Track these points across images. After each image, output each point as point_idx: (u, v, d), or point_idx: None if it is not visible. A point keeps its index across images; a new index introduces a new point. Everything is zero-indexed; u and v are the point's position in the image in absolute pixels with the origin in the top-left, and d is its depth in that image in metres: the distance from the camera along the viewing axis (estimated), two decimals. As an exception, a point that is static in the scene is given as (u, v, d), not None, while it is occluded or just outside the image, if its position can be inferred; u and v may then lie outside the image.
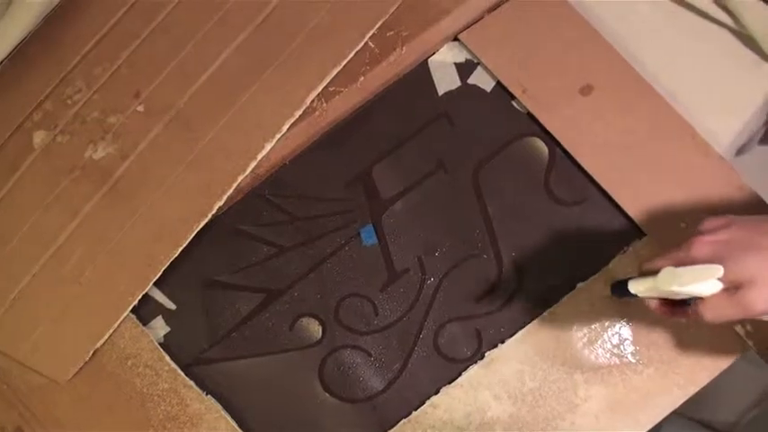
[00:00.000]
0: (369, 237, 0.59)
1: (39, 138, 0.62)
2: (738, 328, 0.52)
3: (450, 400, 0.56)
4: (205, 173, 0.59)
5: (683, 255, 0.41)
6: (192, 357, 0.59)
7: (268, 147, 0.59)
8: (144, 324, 0.59)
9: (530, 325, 0.56)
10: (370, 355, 0.58)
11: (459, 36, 0.60)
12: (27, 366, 0.58)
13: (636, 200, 0.55)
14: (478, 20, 0.60)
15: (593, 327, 0.55)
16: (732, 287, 0.39)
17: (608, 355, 0.55)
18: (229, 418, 0.57)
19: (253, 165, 0.59)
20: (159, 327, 0.60)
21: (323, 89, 0.60)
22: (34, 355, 0.58)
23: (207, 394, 0.58)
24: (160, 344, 0.59)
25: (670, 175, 0.55)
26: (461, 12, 0.60)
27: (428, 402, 0.56)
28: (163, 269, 0.58)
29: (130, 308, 0.58)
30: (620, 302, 0.54)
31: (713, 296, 0.40)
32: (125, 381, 0.58)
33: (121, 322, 0.58)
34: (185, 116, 0.60)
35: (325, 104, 0.60)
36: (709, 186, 0.54)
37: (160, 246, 0.58)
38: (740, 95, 0.59)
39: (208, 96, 0.61)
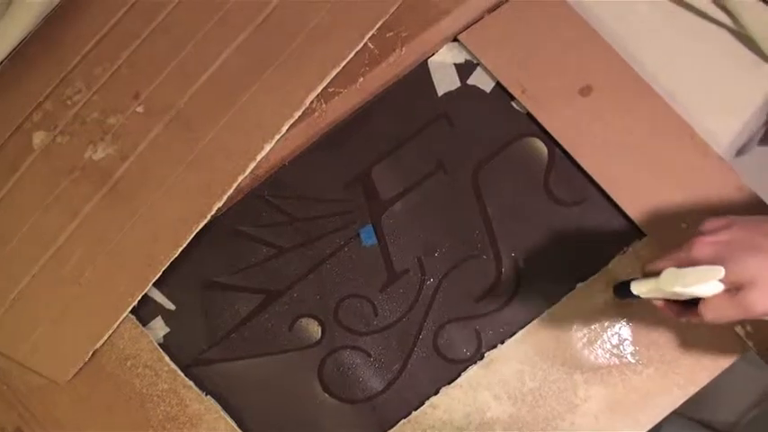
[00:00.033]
0: (368, 237, 0.59)
1: (38, 138, 0.62)
2: (738, 329, 0.52)
3: (450, 401, 0.56)
4: (205, 173, 0.59)
5: (684, 255, 0.41)
6: (192, 358, 0.59)
7: (267, 147, 0.59)
8: (143, 325, 0.59)
9: (529, 325, 0.56)
10: (369, 355, 0.58)
11: (459, 37, 0.60)
12: (27, 367, 0.58)
13: (635, 200, 0.55)
14: (478, 20, 0.60)
15: (592, 327, 0.55)
16: (733, 288, 0.39)
17: (608, 356, 0.55)
18: (229, 419, 0.57)
19: (252, 165, 0.59)
20: (159, 327, 0.60)
21: (322, 90, 0.60)
22: (34, 356, 0.58)
23: (206, 395, 0.58)
24: (159, 344, 0.59)
25: (669, 176, 0.55)
26: (461, 12, 0.60)
27: (428, 403, 0.56)
28: (162, 270, 0.58)
29: (130, 308, 0.58)
30: (620, 303, 0.54)
31: (714, 297, 0.40)
32: (124, 381, 0.58)
33: (121, 323, 0.58)
34: (185, 117, 0.60)
35: (324, 105, 0.60)
36: (709, 187, 0.54)
37: (160, 246, 0.58)
38: (739, 96, 0.59)
39: (208, 97, 0.61)
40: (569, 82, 0.58)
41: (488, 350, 0.56)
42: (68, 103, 0.62)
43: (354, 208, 0.60)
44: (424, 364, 0.57)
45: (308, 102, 0.59)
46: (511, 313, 0.57)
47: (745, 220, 0.41)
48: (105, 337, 0.58)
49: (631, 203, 0.55)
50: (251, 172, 0.59)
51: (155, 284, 0.59)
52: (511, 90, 0.59)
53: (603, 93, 0.57)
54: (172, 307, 0.60)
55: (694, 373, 0.53)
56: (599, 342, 0.55)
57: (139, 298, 0.58)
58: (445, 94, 0.61)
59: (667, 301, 0.45)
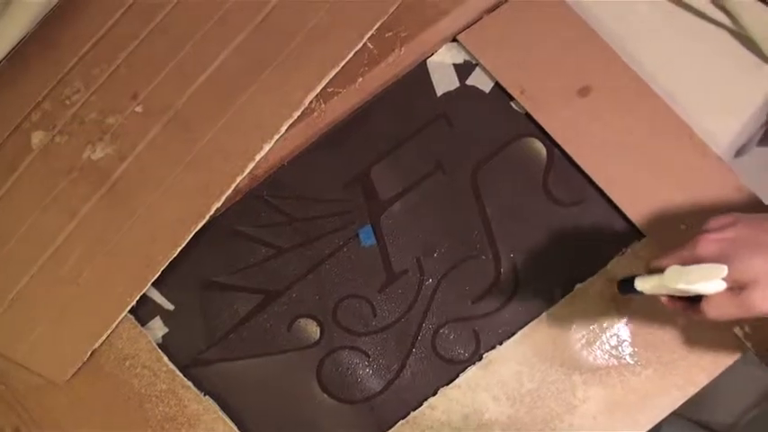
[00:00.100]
0: (367, 238, 0.59)
1: (37, 138, 0.62)
2: (737, 330, 0.52)
3: (449, 402, 0.56)
4: (203, 174, 0.59)
5: (688, 253, 0.42)
6: (190, 358, 0.59)
7: (266, 148, 0.59)
8: (142, 325, 0.59)
9: (528, 326, 0.56)
10: (368, 356, 0.58)
11: (458, 37, 0.60)
12: (25, 367, 0.58)
13: (634, 201, 0.55)
14: (477, 21, 0.60)
15: (591, 328, 0.55)
16: (736, 286, 0.39)
17: (606, 357, 0.55)
18: (227, 419, 0.57)
19: (251, 166, 0.59)
20: (157, 327, 0.60)
21: (321, 90, 0.60)
22: (32, 356, 0.58)
23: (205, 395, 0.58)
24: (158, 345, 0.59)
25: (668, 176, 0.55)
26: (460, 13, 0.60)
27: (426, 403, 0.56)
28: (161, 270, 0.58)
29: (128, 308, 0.58)
30: (619, 303, 0.54)
31: (717, 295, 0.40)
32: (123, 381, 0.58)
33: (119, 323, 0.58)
34: (184, 117, 0.60)
35: (323, 105, 0.60)
36: (708, 187, 0.54)
37: (158, 246, 0.58)
38: (739, 96, 0.59)
39: (206, 97, 0.61)
40: (568, 82, 0.58)
41: (487, 351, 0.56)
42: (67, 103, 0.62)
43: (353, 208, 0.60)
44: (423, 364, 0.57)
45: (306, 102, 0.59)
46: (509, 314, 0.57)
47: (750, 217, 0.41)
48: (104, 338, 0.58)
49: (630, 204, 0.55)
50: (250, 172, 0.59)
51: (153, 285, 0.59)
52: (510, 90, 0.58)
53: (602, 93, 0.57)
54: (170, 307, 0.60)
55: (693, 374, 0.53)
56: (598, 343, 0.55)
57: (138, 298, 0.58)
58: (444, 95, 0.60)
59: (671, 297, 0.45)
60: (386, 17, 0.60)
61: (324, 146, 0.61)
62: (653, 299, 0.46)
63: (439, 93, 0.61)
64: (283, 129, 0.59)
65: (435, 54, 0.61)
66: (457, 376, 0.56)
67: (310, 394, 0.57)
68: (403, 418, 0.56)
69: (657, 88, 0.57)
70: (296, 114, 0.59)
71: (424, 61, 0.61)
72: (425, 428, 0.56)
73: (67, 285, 0.59)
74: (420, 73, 0.61)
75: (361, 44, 0.60)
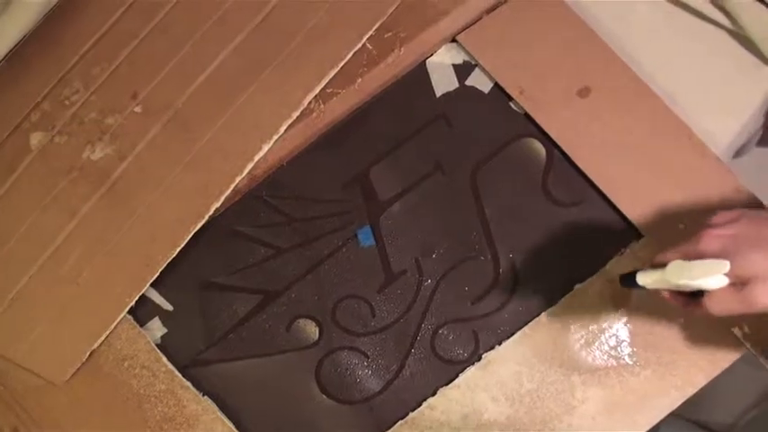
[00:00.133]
0: (366, 238, 0.59)
1: (36, 138, 0.62)
2: (736, 330, 0.52)
3: (448, 402, 0.56)
4: (202, 174, 0.59)
5: (691, 248, 0.42)
6: (189, 359, 0.59)
7: (265, 148, 0.59)
8: (141, 325, 0.59)
9: (527, 326, 0.56)
10: (367, 356, 0.58)
11: (457, 37, 0.60)
12: (24, 367, 0.58)
13: (633, 201, 0.55)
14: (476, 21, 0.60)
15: (590, 328, 0.55)
16: (739, 282, 0.39)
17: (605, 357, 0.55)
18: (226, 420, 0.57)
19: (250, 166, 0.59)
20: (156, 328, 0.60)
21: (320, 90, 0.60)
22: (31, 356, 0.58)
23: (204, 395, 0.58)
24: (157, 345, 0.59)
25: (667, 177, 0.55)
26: (459, 13, 0.60)
27: (425, 404, 0.56)
28: (160, 270, 0.58)
29: (127, 309, 0.58)
30: (618, 304, 0.54)
31: (719, 290, 0.40)
32: (122, 382, 0.58)
33: (118, 323, 0.58)
34: (183, 117, 0.60)
35: (322, 106, 0.60)
36: (707, 188, 0.54)
37: (157, 247, 0.58)
38: (738, 97, 0.59)
39: (206, 97, 0.61)
40: (567, 83, 0.58)
41: (486, 351, 0.56)
42: (66, 103, 0.62)
43: (352, 208, 0.60)
44: (422, 365, 0.57)
45: (306, 102, 0.59)
46: (508, 314, 0.57)
47: (754, 213, 0.42)
48: (103, 338, 0.58)
49: (629, 204, 0.55)
50: (249, 172, 0.59)
51: (152, 285, 0.59)
52: (509, 91, 0.58)
53: (602, 93, 0.57)
54: (169, 307, 0.60)
55: (692, 374, 0.53)
56: (597, 344, 0.55)
57: (137, 298, 0.58)
58: (443, 95, 0.60)
59: (673, 292, 0.45)
60: (385, 17, 0.60)
61: (323, 146, 0.61)
62: (652, 298, 0.46)
63: (438, 93, 0.61)
64: (282, 129, 0.59)
65: (435, 54, 0.61)
66: (456, 376, 0.56)
67: (309, 395, 0.57)
68: (402, 418, 0.56)
69: (657, 89, 0.57)
70: (295, 115, 0.59)
71: (424, 62, 0.61)
72: (424, 429, 0.56)
73: (67, 285, 0.59)
74: (419, 73, 0.61)
75: (360, 44, 0.60)
